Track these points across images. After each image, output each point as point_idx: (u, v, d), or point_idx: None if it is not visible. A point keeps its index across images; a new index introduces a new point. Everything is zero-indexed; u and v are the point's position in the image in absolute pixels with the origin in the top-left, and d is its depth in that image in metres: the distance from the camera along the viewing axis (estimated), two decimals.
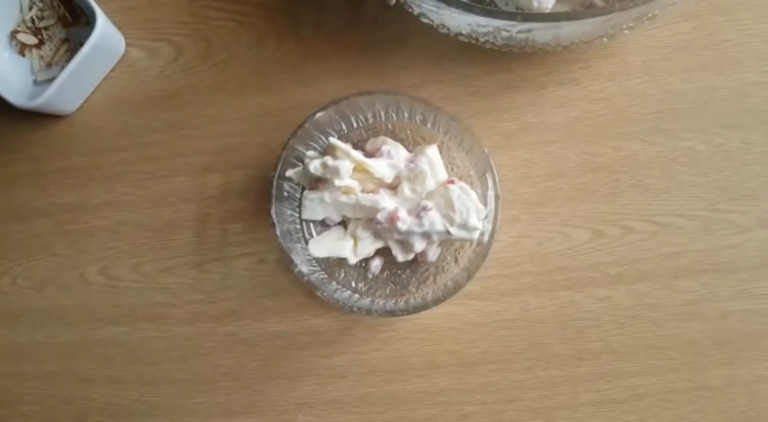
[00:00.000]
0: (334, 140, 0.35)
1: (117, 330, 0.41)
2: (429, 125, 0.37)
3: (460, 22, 0.33)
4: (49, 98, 0.40)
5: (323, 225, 0.38)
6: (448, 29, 0.36)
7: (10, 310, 0.42)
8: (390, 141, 0.36)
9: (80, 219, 0.42)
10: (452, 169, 0.38)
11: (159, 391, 0.40)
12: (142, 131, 0.42)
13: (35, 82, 0.43)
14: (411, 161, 0.35)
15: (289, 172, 0.36)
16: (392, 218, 0.34)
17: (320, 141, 0.37)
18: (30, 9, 0.43)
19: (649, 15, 0.34)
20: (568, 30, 0.32)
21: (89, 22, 0.42)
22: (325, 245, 0.37)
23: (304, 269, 0.36)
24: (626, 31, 0.36)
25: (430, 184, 0.35)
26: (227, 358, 0.40)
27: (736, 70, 0.39)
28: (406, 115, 0.37)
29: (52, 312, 0.42)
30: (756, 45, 0.39)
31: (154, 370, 0.40)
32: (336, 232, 0.37)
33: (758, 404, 0.37)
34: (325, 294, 0.35)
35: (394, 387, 0.39)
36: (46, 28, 0.43)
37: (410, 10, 0.36)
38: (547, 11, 0.33)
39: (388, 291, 0.38)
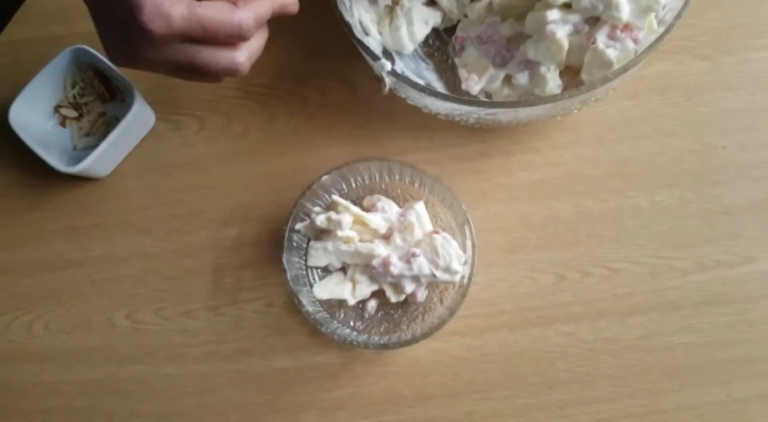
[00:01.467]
0: (336, 198, 0.42)
1: (138, 368, 0.46)
2: (416, 185, 0.45)
3: (439, 106, 0.41)
4: (88, 165, 0.47)
5: (325, 271, 0.45)
6: (430, 110, 0.44)
7: (41, 352, 0.48)
8: (384, 198, 0.44)
9: (109, 270, 0.48)
10: (436, 222, 0.45)
11: None
12: (167, 192, 0.49)
13: (74, 149, 0.51)
14: (402, 215, 0.43)
15: (299, 225, 0.43)
16: (386, 263, 0.41)
17: (325, 199, 0.45)
18: (72, 88, 0.51)
19: (593, 99, 0.43)
20: (525, 113, 0.40)
21: (124, 99, 0.50)
22: (327, 288, 0.43)
23: (310, 309, 0.42)
24: (576, 111, 0.45)
25: (418, 234, 0.42)
26: (237, 393, 0.45)
27: (671, 139, 0.48)
28: (396, 176, 0.45)
29: (80, 353, 0.47)
30: (686, 118, 0.48)
31: (170, 404, 0.46)
32: (337, 277, 0.44)
33: None
34: (328, 330, 0.42)
35: (388, 418, 0.44)
36: (86, 104, 0.51)
37: (398, 94, 0.45)
38: (474, 93, 0.42)
39: (382, 328, 0.44)
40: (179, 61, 0.36)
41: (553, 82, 0.42)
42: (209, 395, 0.45)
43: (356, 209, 0.42)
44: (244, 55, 0.37)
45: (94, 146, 0.49)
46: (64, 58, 0.49)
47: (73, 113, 0.51)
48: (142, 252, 0.48)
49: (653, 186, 0.47)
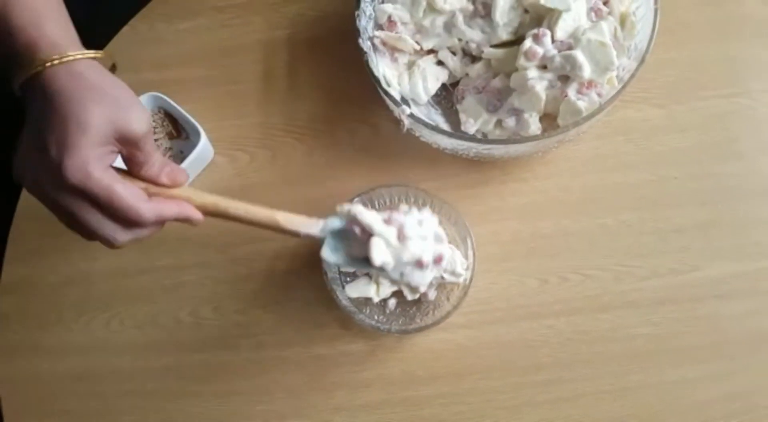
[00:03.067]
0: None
1: (199, 356, 0.58)
2: (428, 207, 0.57)
3: (446, 142, 0.54)
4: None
5: (353, 275, 0.57)
6: (439, 145, 0.57)
7: (118, 344, 0.59)
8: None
9: (174, 276, 0.60)
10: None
11: (231, 402, 0.57)
12: None
13: None
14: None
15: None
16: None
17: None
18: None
19: (568, 139, 0.56)
20: (513, 149, 0.53)
21: (188, 137, 0.63)
22: (357, 288, 0.55)
23: (345, 303, 0.54)
24: (554, 149, 0.58)
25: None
26: (282, 375, 0.57)
27: (633, 172, 0.60)
28: (412, 199, 0.57)
29: (150, 345, 0.59)
30: (645, 155, 0.60)
31: (226, 386, 0.57)
32: (364, 280, 0.56)
33: (664, 399, 0.54)
34: (358, 319, 0.53)
35: (406, 393, 0.56)
36: (156, 140, 0.63)
37: (414, 133, 0.58)
38: (471, 133, 0.55)
39: (400, 322, 0.56)
40: (73, 212, 0.39)
41: (534, 126, 0.55)
42: (259, 377, 0.57)
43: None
44: (127, 237, 0.41)
45: None
46: (142, 102, 0.62)
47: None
48: (202, 262, 0.60)
49: (618, 209, 0.59)
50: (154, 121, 0.63)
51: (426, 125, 0.52)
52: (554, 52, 0.52)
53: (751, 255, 0.57)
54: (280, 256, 0.60)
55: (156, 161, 0.43)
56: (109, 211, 0.39)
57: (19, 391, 0.59)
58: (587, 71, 0.52)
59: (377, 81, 0.54)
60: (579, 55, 0.51)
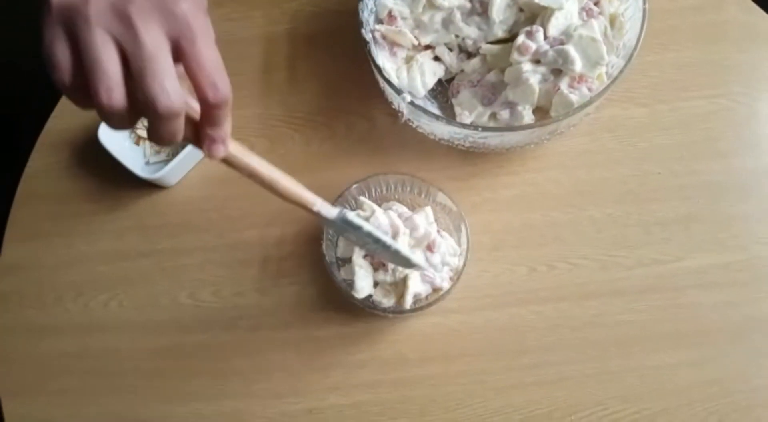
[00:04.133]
0: (363, 199, 0.57)
1: (198, 337, 0.60)
2: (423, 196, 0.60)
3: (443, 131, 0.57)
4: (163, 175, 0.62)
5: (348, 261, 0.59)
6: (435, 135, 0.60)
7: (116, 324, 0.61)
8: (397, 204, 0.59)
9: (174, 260, 0.62)
10: (438, 224, 0.60)
11: (229, 381, 0.59)
12: (223, 199, 0.64)
13: (147, 164, 0.65)
14: (410, 216, 0.58)
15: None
16: None
17: (352, 203, 0.60)
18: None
19: (559, 132, 0.59)
20: (507, 138, 0.56)
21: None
22: (350, 270, 0.58)
23: (342, 285, 0.56)
24: (545, 141, 0.61)
25: (422, 232, 0.57)
26: (280, 355, 0.59)
27: (618, 167, 0.64)
28: (408, 188, 0.60)
29: (149, 325, 0.61)
30: (630, 151, 0.64)
31: (225, 365, 0.59)
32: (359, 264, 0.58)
33: (645, 383, 0.57)
34: (355, 299, 0.56)
35: (398, 374, 0.58)
36: None
37: (411, 124, 0.61)
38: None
39: (393, 304, 0.58)
40: (94, 44, 0.33)
41: (527, 117, 0.58)
42: (257, 357, 0.59)
43: (376, 207, 0.57)
44: (119, 96, 0.34)
45: (164, 161, 0.64)
46: None
47: (146, 134, 0.65)
48: (202, 246, 0.63)
49: (604, 202, 0.62)
50: None
51: (426, 113, 0.55)
52: (546, 47, 0.56)
53: (729, 248, 0.60)
54: (279, 242, 0.62)
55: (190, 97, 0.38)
56: (135, 61, 0.34)
57: (15, 370, 0.61)
58: (579, 65, 0.56)
59: (378, 69, 0.57)
60: (571, 49, 0.54)
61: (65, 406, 0.59)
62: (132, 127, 0.37)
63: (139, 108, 0.35)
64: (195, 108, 0.38)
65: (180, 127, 0.36)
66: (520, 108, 0.58)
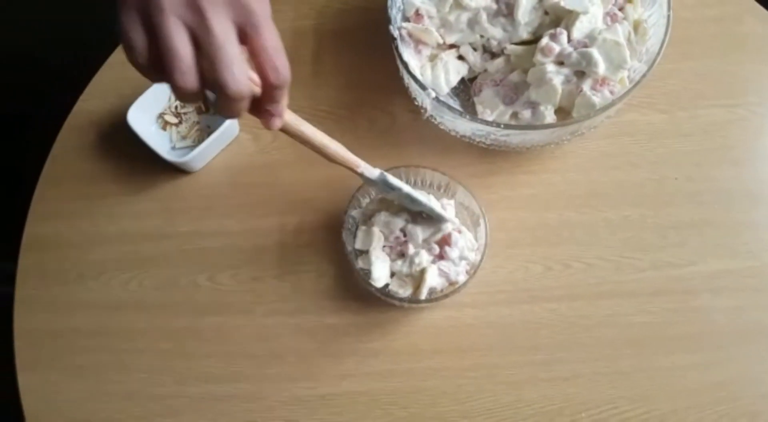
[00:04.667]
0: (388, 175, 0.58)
1: (215, 319, 0.61)
2: (442, 190, 0.62)
3: (465, 127, 0.59)
4: (189, 159, 0.63)
5: (366, 252, 0.61)
6: (456, 132, 0.61)
7: (136, 304, 0.62)
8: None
9: (195, 243, 0.64)
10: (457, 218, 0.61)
11: (243, 364, 0.60)
12: (245, 186, 0.65)
13: (173, 148, 0.67)
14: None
15: (353, 212, 0.59)
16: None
17: (371, 194, 0.61)
18: (176, 99, 0.67)
19: (580, 133, 0.60)
20: (530, 136, 0.58)
21: (216, 112, 0.67)
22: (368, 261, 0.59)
23: (360, 272, 0.58)
24: (566, 142, 0.62)
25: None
26: (294, 341, 0.60)
27: (636, 170, 0.65)
28: (428, 181, 0.61)
29: (168, 306, 0.62)
30: (648, 156, 0.65)
31: (239, 348, 0.60)
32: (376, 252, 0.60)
33: (655, 384, 0.58)
34: (373, 288, 0.57)
35: (410, 365, 0.59)
36: (185, 113, 0.67)
37: (433, 120, 0.62)
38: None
39: (408, 294, 0.59)
40: (169, 34, 0.36)
41: (549, 117, 0.60)
42: (272, 342, 0.60)
43: (406, 186, 0.58)
44: (192, 79, 0.37)
45: (190, 147, 0.66)
46: None
47: (174, 120, 0.67)
48: (223, 231, 0.64)
49: (621, 204, 0.63)
50: None
51: (450, 109, 0.56)
52: (570, 49, 0.57)
53: (741, 254, 0.61)
54: (298, 230, 0.64)
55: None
56: (207, 50, 0.38)
57: (33, 345, 0.62)
58: (602, 68, 0.57)
59: (405, 65, 0.59)
60: (595, 52, 0.56)
61: (80, 382, 0.60)
62: (200, 100, 0.41)
63: (209, 87, 0.39)
64: (257, 82, 0.41)
65: (245, 106, 0.41)
66: (542, 108, 0.59)
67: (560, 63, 0.58)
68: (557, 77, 0.58)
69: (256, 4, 0.39)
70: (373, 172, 0.55)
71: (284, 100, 0.44)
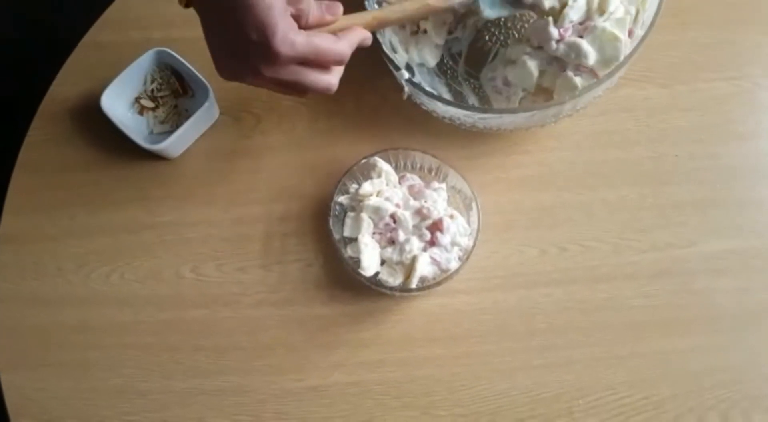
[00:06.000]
0: (377, 159, 0.57)
1: (201, 311, 0.60)
2: (433, 173, 0.60)
3: (443, 110, 0.56)
4: (166, 146, 0.61)
5: (354, 240, 0.59)
6: (438, 114, 0.59)
7: (118, 297, 0.61)
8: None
9: (177, 232, 0.62)
10: (448, 203, 0.59)
11: (231, 357, 0.59)
12: (227, 172, 0.63)
13: (150, 134, 0.64)
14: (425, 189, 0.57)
15: (341, 198, 0.57)
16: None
17: (359, 179, 0.59)
18: (152, 82, 0.65)
19: (565, 114, 0.58)
20: (508, 120, 0.56)
21: (194, 95, 0.65)
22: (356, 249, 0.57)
23: (350, 261, 0.56)
24: (552, 123, 0.60)
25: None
26: (283, 332, 0.59)
27: (634, 148, 0.63)
28: (418, 164, 0.59)
29: (151, 299, 0.61)
30: (647, 132, 0.63)
31: (227, 341, 0.59)
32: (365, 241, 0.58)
33: (655, 368, 0.57)
34: (361, 277, 0.55)
35: (403, 354, 0.58)
36: (162, 97, 0.65)
37: (415, 100, 0.60)
38: None
39: (399, 283, 0.58)
40: (289, 80, 0.45)
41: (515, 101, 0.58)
42: (260, 333, 0.59)
43: (391, 170, 0.57)
44: (337, 78, 0.47)
45: (168, 132, 0.63)
46: (148, 58, 0.63)
47: (150, 104, 0.65)
48: (205, 220, 0.62)
49: (618, 184, 0.62)
50: (160, 78, 0.65)
51: (424, 92, 0.54)
52: (555, 45, 0.55)
53: (745, 234, 0.60)
54: (284, 218, 0.62)
55: (313, 4, 0.47)
56: (318, 64, 0.45)
57: (14, 342, 0.60)
58: (592, 59, 0.54)
59: (379, 45, 0.56)
60: (584, 44, 0.53)
61: (65, 379, 0.59)
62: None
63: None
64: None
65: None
66: (512, 90, 0.58)
67: (540, 47, 0.56)
68: (531, 61, 0.56)
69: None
70: None
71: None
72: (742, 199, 0.61)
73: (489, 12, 0.52)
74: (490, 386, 0.57)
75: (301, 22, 0.46)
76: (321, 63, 0.46)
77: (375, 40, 0.56)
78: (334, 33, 0.48)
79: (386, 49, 0.57)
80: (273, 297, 0.60)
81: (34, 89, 0.68)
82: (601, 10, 0.54)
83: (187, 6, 0.48)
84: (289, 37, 0.43)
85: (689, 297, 0.59)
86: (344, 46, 0.47)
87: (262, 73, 0.44)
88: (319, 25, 0.48)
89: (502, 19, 0.63)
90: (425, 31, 0.62)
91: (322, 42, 0.45)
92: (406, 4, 0.52)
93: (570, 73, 0.56)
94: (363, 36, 0.50)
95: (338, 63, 0.47)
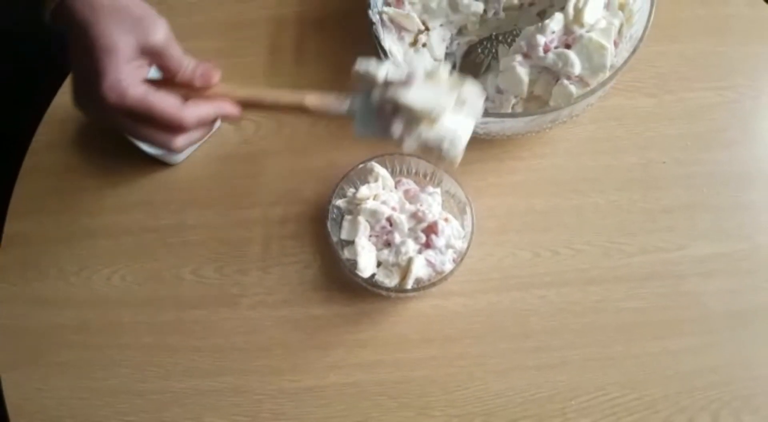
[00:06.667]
0: (374, 163, 0.59)
1: (200, 313, 0.61)
2: (428, 178, 0.61)
3: None
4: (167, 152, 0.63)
5: (351, 243, 0.60)
6: None
7: (118, 299, 0.62)
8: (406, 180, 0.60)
9: (178, 235, 0.63)
10: (443, 207, 0.61)
11: (228, 357, 0.59)
12: (228, 177, 0.65)
13: None
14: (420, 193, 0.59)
15: (338, 202, 0.59)
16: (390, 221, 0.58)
17: (357, 183, 0.61)
18: None
19: (561, 120, 0.60)
20: (508, 124, 0.58)
21: None
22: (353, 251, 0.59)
23: (347, 263, 0.57)
24: (547, 129, 0.62)
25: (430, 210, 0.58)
26: (281, 333, 0.60)
27: (623, 155, 0.65)
28: (414, 169, 0.61)
29: (151, 300, 0.62)
30: (636, 140, 0.65)
31: (225, 342, 0.60)
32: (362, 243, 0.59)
33: (646, 369, 0.58)
34: (358, 278, 0.57)
35: (399, 355, 0.59)
36: None
37: None
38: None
39: (395, 284, 0.59)
40: (124, 128, 0.45)
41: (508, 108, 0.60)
42: (258, 334, 0.60)
43: (387, 174, 0.58)
44: (180, 141, 0.45)
45: None
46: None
47: None
48: (206, 223, 0.64)
49: (609, 189, 0.63)
50: None
51: None
52: (542, 54, 0.57)
53: (732, 237, 0.61)
54: (283, 221, 0.63)
55: (188, 65, 0.46)
56: (152, 122, 0.43)
57: (14, 342, 0.61)
58: (578, 68, 0.57)
59: (383, 50, 0.58)
60: (572, 54, 0.56)
61: (64, 379, 0.60)
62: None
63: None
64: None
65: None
66: (504, 97, 0.60)
67: (528, 56, 0.58)
68: (521, 69, 0.58)
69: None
70: (341, 104, 0.50)
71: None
72: (728, 204, 0.63)
73: (361, 130, 0.50)
74: (485, 387, 0.58)
75: (169, 76, 0.46)
76: (155, 124, 0.44)
77: (378, 44, 0.58)
78: (191, 98, 0.46)
79: (391, 57, 0.59)
80: (271, 299, 0.61)
81: (39, 96, 0.70)
82: (579, 23, 0.57)
83: (54, 23, 0.45)
84: (119, 86, 0.42)
85: (679, 300, 0.60)
86: (187, 114, 0.44)
87: (96, 113, 0.44)
88: (187, 87, 0.47)
89: (494, 34, 0.66)
90: (424, 45, 0.65)
91: (160, 103, 0.43)
92: (283, 94, 0.49)
93: (565, 82, 0.58)
94: (222, 111, 0.48)
95: (176, 129, 0.45)
